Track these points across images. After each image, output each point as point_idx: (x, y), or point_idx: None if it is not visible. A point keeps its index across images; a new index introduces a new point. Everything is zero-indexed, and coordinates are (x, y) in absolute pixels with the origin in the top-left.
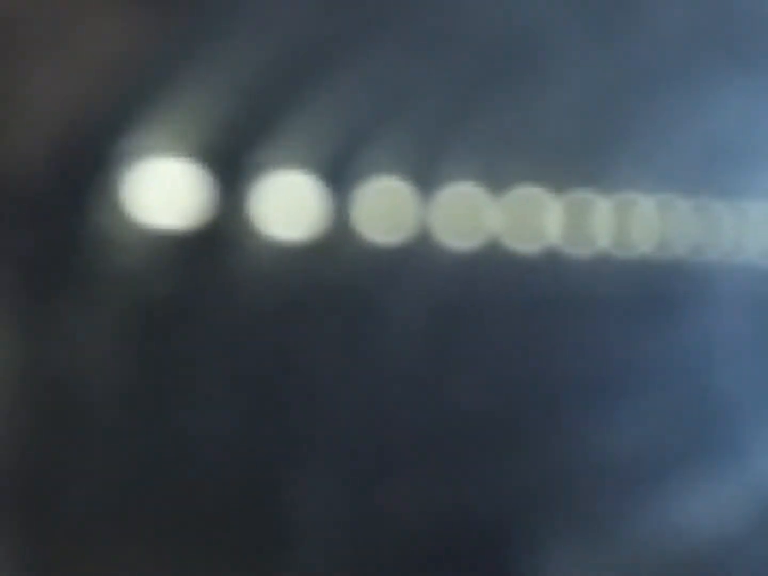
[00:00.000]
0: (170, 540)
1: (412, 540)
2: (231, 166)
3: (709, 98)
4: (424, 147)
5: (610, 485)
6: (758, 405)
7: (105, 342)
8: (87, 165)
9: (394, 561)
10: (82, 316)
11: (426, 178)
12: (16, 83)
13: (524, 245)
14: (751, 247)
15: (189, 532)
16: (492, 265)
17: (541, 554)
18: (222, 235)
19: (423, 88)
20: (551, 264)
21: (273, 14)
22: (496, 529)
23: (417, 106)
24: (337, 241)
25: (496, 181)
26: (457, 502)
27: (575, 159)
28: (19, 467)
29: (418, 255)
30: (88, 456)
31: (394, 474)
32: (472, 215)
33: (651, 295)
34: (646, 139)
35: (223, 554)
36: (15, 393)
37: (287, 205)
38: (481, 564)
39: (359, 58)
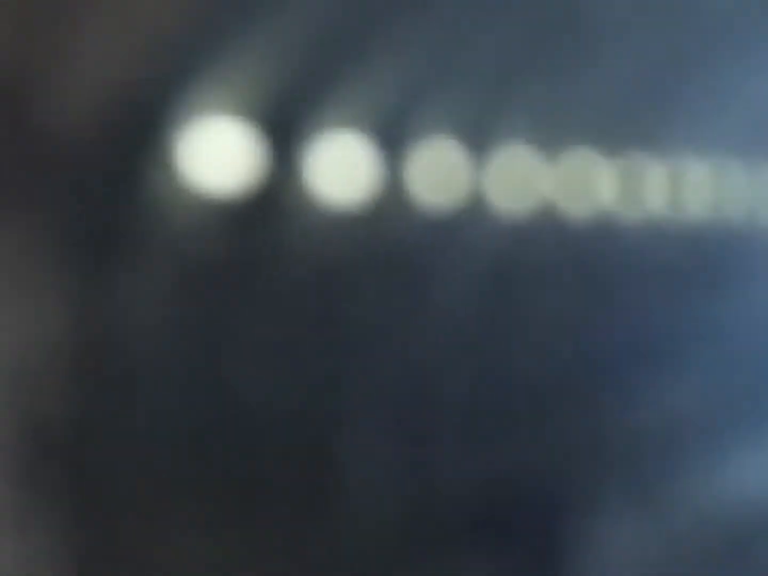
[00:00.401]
0: (228, 496)
1: (461, 501)
2: (285, 128)
3: (758, 65)
4: (478, 110)
5: (658, 451)
6: None
7: (161, 304)
8: (143, 127)
9: (444, 521)
10: (137, 278)
11: (480, 141)
12: (75, 48)
13: (577, 209)
14: None
15: (247, 490)
16: (544, 229)
17: (588, 519)
18: (276, 197)
19: (477, 52)
20: (604, 228)
21: None
22: (544, 493)
23: (471, 70)
24: (391, 204)
25: (549, 143)
26: (507, 464)
27: (628, 122)
28: (76, 431)
29: (471, 217)
30: (145, 417)
31: (448, 436)
32: (525, 178)
33: (704, 261)
34: (698, 104)
35: (278, 509)
36: (72, 357)
37: (341, 167)
38: (529, 526)
39: (414, 22)
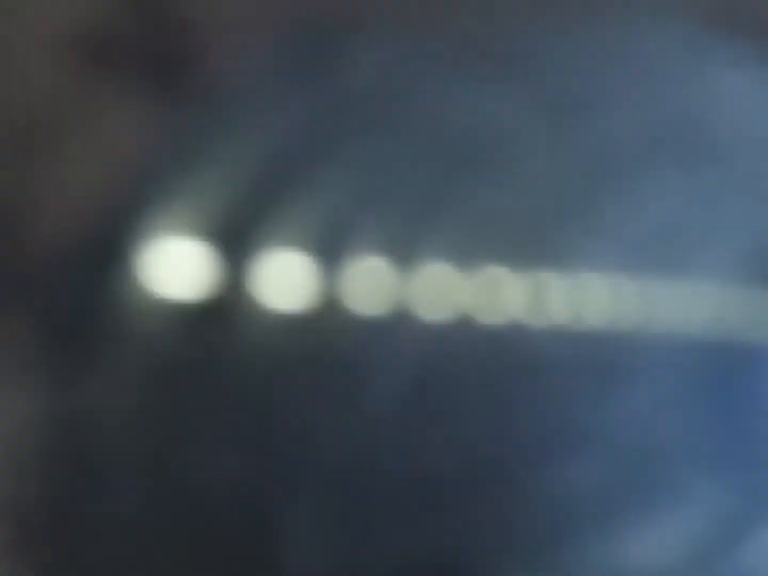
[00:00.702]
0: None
1: (389, 570)
2: (235, 246)
3: (656, 190)
4: (404, 231)
5: (566, 529)
6: (693, 459)
7: (119, 400)
8: (107, 244)
9: None
10: (97, 377)
11: (406, 257)
12: (41, 171)
13: (492, 319)
14: (695, 322)
15: (197, 566)
16: (463, 335)
17: None
18: (227, 307)
19: (402, 178)
20: (515, 336)
21: (269, 110)
22: (467, 567)
23: (397, 196)
24: (327, 314)
25: (467, 260)
26: (429, 542)
27: (538, 242)
28: (45, 512)
29: (399, 327)
30: (98, 505)
31: (377, 518)
32: (446, 292)
33: (602, 364)
34: (602, 225)
35: None
36: (30, 451)
37: (285, 280)
38: None
39: (347, 150)
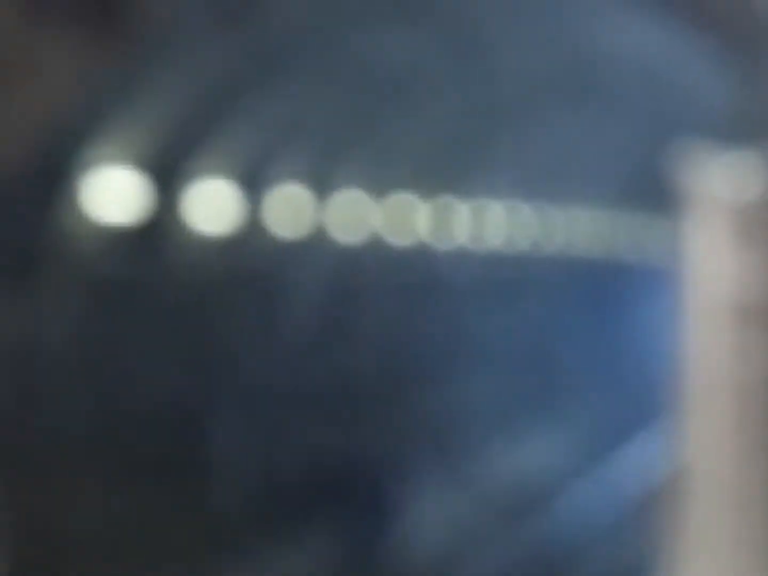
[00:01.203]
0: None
1: (308, 473)
2: (165, 174)
3: (549, 124)
4: (321, 160)
5: (466, 435)
6: (580, 367)
7: (58, 318)
8: (51, 172)
9: (291, 487)
10: (37, 298)
11: (323, 185)
12: None
13: (400, 240)
14: (582, 244)
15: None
16: (375, 256)
17: (408, 486)
18: (158, 229)
19: (320, 113)
20: (423, 257)
21: (198, 48)
22: (374, 465)
23: (315, 128)
24: (250, 235)
25: (379, 187)
26: (345, 443)
27: (443, 170)
28: None
29: (315, 247)
30: (42, 415)
31: (297, 421)
32: (359, 215)
33: (499, 282)
34: (501, 155)
35: (148, 476)
36: None
37: (210, 206)
38: (362, 491)
39: (269, 86)
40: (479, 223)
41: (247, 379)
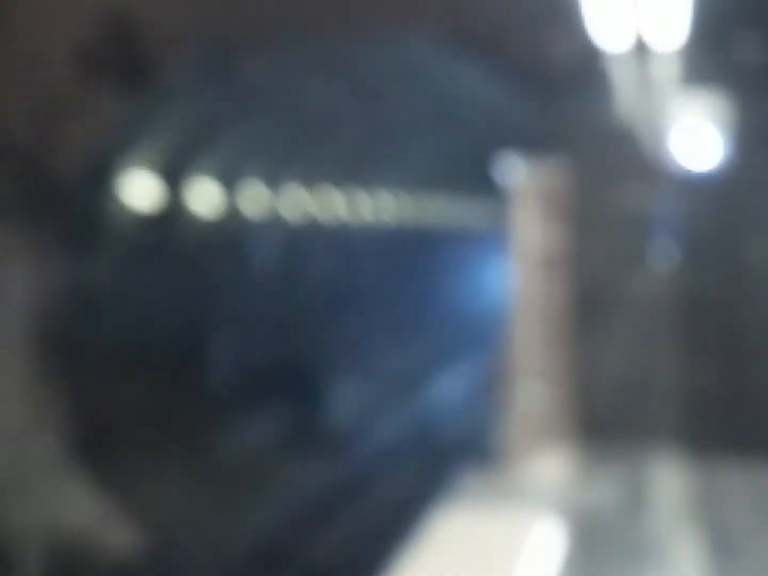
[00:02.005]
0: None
1: (271, 372)
2: (174, 176)
3: (416, 142)
4: (278, 170)
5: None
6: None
7: (105, 270)
8: (100, 173)
9: (259, 383)
10: (96, 253)
11: (273, 179)
12: (58, 132)
13: (326, 221)
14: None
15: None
16: (310, 233)
17: (330, 380)
18: (169, 212)
19: (278, 138)
20: (339, 233)
21: (193, 92)
22: (312, 367)
23: (273, 153)
24: (228, 216)
25: (310, 181)
26: (294, 353)
27: (345, 168)
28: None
29: (272, 225)
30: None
31: (264, 339)
32: (299, 202)
33: (396, 254)
34: (388, 161)
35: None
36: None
37: (204, 196)
38: (304, 383)
39: (243, 122)
40: (377, 207)
41: (234, 308)
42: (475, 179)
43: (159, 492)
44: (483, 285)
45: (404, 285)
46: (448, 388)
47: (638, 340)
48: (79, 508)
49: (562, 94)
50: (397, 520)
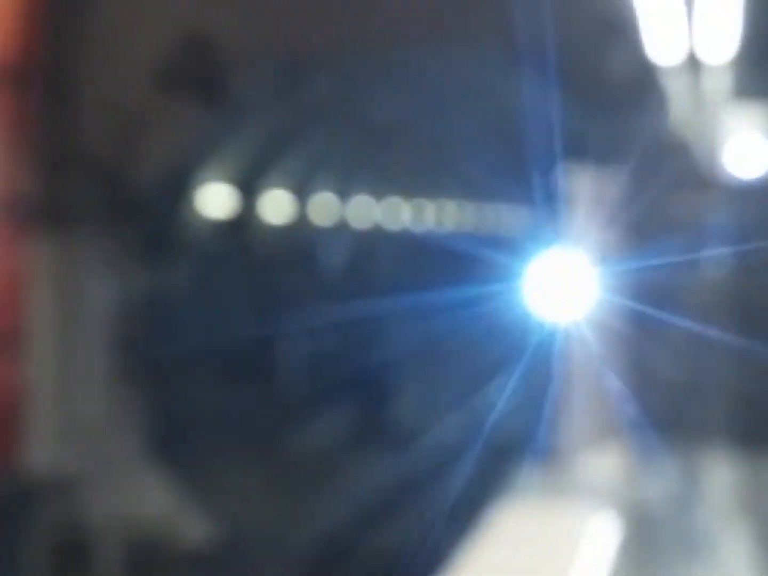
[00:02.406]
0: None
1: (339, 377)
2: (244, 188)
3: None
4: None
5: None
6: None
7: (180, 277)
8: (178, 184)
9: (329, 385)
10: (175, 258)
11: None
12: (140, 147)
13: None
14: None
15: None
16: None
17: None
18: (239, 220)
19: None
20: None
21: (259, 113)
22: (377, 374)
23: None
24: (291, 224)
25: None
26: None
27: (409, 179)
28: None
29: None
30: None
31: (330, 344)
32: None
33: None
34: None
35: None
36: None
37: (269, 206)
38: (372, 388)
39: (300, 139)
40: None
41: (304, 311)
42: (536, 188)
43: (231, 487)
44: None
45: (462, 288)
46: (508, 388)
47: (692, 343)
48: (155, 502)
49: (619, 107)
50: (459, 514)
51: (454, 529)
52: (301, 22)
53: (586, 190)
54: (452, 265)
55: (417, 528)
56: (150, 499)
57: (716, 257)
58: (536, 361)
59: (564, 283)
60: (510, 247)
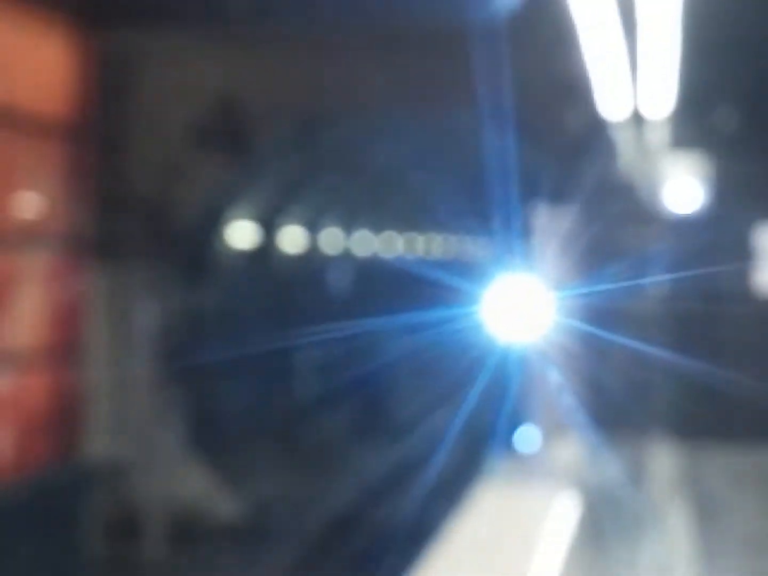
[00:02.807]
0: None
1: (344, 384)
2: (265, 224)
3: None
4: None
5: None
6: None
7: (217, 299)
8: (213, 221)
9: (338, 387)
10: (210, 281)
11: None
12: (177, 192)
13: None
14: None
15: None
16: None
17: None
18: (262, 250)
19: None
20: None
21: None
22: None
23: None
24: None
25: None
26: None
27: (401, 216)
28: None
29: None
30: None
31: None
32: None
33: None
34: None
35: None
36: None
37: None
38: (370, 391)
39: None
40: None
41: (316, 325)
42: (503, 224)
43: (256, 471)
44: None
45: (440, 308)
46: (477, 392)
47: (637, 347)
48: (193, 485)
49: (575, 154)
50: (444, 494)
51: (441, 505)
52: (312, 88)
53: (546, 225)
54: (434, 288)
55: (408, 502)
56: (188, 482)
57: (656, 282)
58: (504, 369)
59: (526, 304)
60: (482, 273)
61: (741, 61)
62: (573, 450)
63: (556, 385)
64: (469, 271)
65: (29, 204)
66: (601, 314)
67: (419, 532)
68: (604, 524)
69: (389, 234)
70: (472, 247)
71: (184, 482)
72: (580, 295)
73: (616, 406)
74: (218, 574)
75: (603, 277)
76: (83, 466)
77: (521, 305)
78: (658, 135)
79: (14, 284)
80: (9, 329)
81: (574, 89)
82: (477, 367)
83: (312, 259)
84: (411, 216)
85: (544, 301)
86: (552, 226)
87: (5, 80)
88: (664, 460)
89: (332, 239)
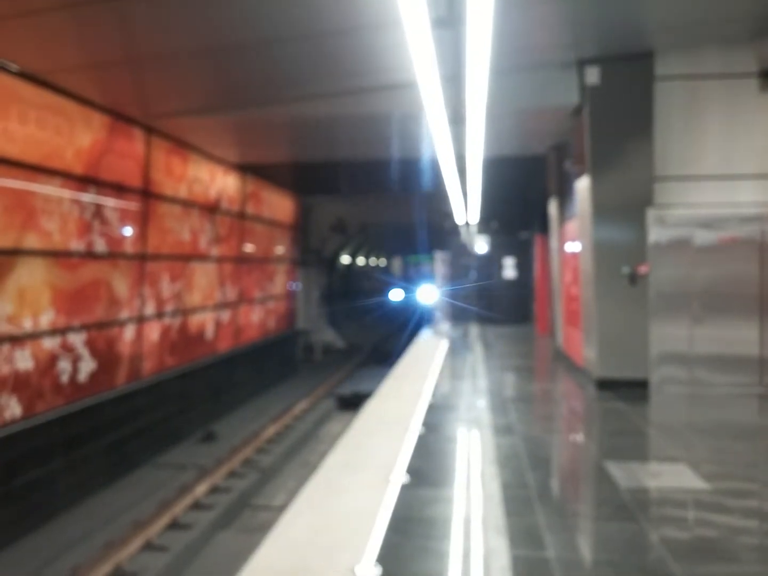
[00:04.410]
0: None
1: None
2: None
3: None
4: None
5: None
6: None
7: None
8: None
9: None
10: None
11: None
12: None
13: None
14: None
15: None
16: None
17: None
18: (364, 266)
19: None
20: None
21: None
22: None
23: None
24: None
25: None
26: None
27: (399, 251)
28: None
29: (370, 270)
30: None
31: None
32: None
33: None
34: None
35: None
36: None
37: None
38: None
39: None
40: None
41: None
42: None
43: (349, 334)
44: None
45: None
46: (417, 316)
47: (466, 305)
48: (329, 337)
49: (448, 235)
50: (405, 342)
51: (404, 344)
52: (368, 214)
53: (440, 260)
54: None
55: (394, 343)
56: (328, 336)
57: (474, 281)
58: (422, 310)
59: (430, 291)
60: (416, 279)
61: (500, 205)
62: (445, 328)
63: (440, 313)
64: (412, 277)
65: (281, 249)
66: (455, 294)
67: (398, 352)
68: (456, 348)
69: (388, 259)
70: (415, 267)
71: (326, 336)
72: (449, 288)
73: (459, 317)
74: (339, 364)
75: (456, 280)
76: (296, 331)
77: (428, 291)
78: (474, 229)
79: (277, 274)
80: (275, 288)
81: (448, 215)
82: (414, 310)
83: (365, 269)
84: (395, 250)
85: (436, 290)
86: (441, 260)
87: (279, 213)
88: (474, 330)
89: (368, 261)
